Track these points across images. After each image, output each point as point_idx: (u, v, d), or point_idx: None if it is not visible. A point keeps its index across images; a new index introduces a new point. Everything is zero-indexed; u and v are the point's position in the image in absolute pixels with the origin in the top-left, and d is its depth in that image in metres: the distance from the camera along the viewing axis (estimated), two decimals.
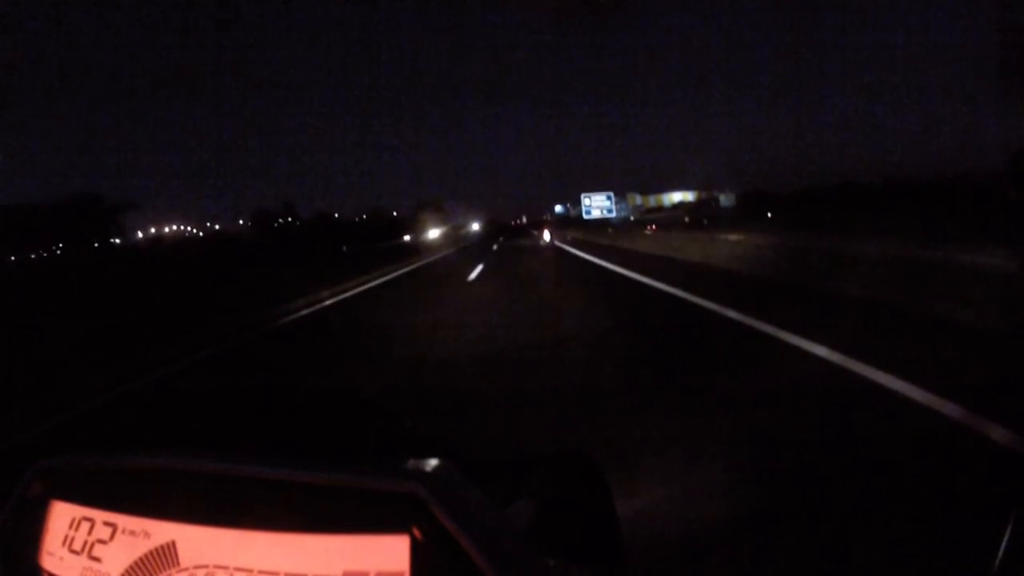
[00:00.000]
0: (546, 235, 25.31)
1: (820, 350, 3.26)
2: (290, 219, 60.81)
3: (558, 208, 75.90)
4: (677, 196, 68.97)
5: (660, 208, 67.43)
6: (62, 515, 0.43)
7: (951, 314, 3.81)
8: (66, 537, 0.42)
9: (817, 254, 6.91)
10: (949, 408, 2.23)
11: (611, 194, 49.07)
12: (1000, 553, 0.49)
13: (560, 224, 46.27)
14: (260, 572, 0.36)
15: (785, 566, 1.38)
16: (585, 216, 47.38)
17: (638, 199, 71.86)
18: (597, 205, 48.60)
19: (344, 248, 31.23)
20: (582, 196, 48.70)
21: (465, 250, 24.23)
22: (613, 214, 47.18)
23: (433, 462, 0.38)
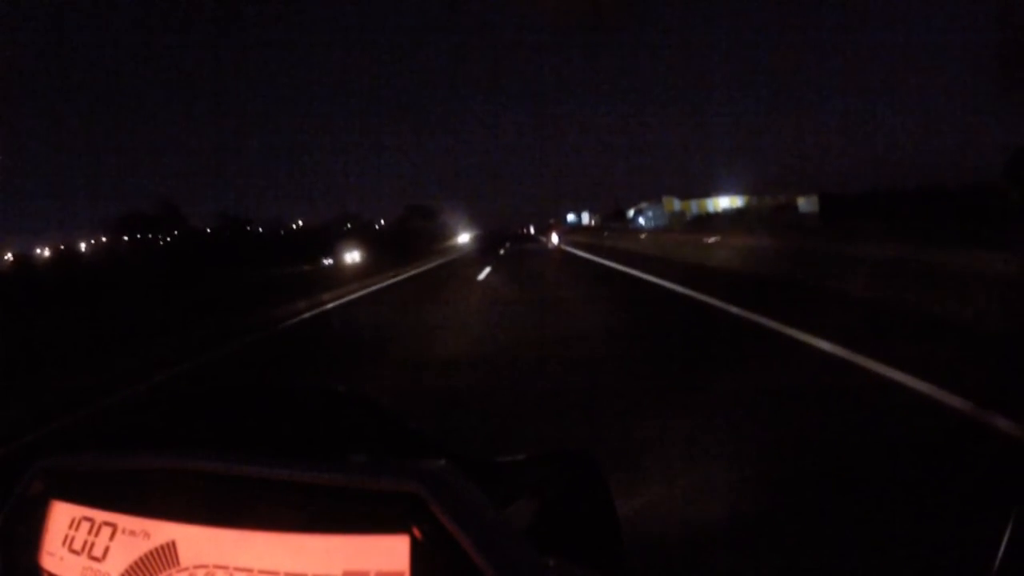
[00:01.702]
0: (554, 238, 25.93)
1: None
2: (188, 229, 42.64)
3: (570, 217, 71.92)
4: (724, 201, 54.34)
5: (707, 216, 49.73)
6: (62, 515, 0.43)
7: (951, 314, 3.81)
8: (66, 537, 0.42)
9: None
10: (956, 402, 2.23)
11: None
12: (1000, 553, 0.49)
13: (571, 232, 44.06)
14: (260, 572, 0.36)
15: (785, 566, 1.37)
16: None
17: (676, 204, 56.76)
18: None
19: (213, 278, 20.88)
20: None
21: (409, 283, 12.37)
22: None
23: (433, 462, 0.38)
